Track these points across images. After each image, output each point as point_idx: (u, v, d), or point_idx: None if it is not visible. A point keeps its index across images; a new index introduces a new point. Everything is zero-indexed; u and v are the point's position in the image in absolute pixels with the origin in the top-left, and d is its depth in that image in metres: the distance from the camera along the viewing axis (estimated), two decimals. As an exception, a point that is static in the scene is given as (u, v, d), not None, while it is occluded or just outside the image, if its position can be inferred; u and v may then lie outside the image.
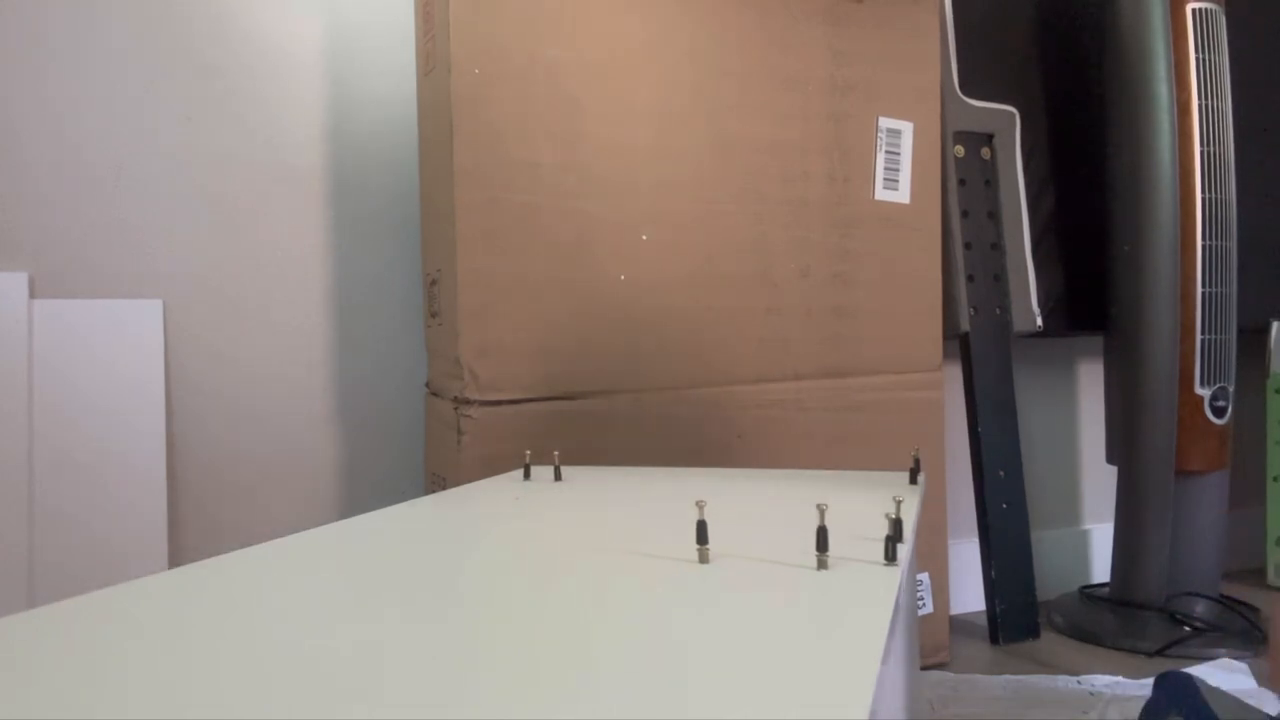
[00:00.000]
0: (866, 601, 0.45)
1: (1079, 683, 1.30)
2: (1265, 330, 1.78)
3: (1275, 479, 1.75)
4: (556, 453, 0.84)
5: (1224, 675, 1.29)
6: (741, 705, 0.33)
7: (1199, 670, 1.32)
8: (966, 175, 1.55)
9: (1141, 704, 0.94)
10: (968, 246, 1.54)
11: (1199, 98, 1.50)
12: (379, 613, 0.45)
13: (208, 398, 1.28)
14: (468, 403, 1.10)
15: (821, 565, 0.50)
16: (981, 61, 1.57)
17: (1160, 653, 1.44)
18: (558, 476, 0.83)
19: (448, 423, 1.13)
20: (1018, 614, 1.53)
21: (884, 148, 1.36)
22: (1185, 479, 1.54)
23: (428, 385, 1.30)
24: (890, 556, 0.51)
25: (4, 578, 1.14)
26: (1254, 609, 1.53)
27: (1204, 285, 1.50)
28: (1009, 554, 1.55)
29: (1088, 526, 1.85)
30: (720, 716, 0.32)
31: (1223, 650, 1.41)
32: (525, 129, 1.13)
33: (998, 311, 1.55)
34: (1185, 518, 1.55)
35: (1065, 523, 1.84)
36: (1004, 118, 1.57)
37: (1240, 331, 1.56)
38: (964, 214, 1.54)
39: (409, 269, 1.37)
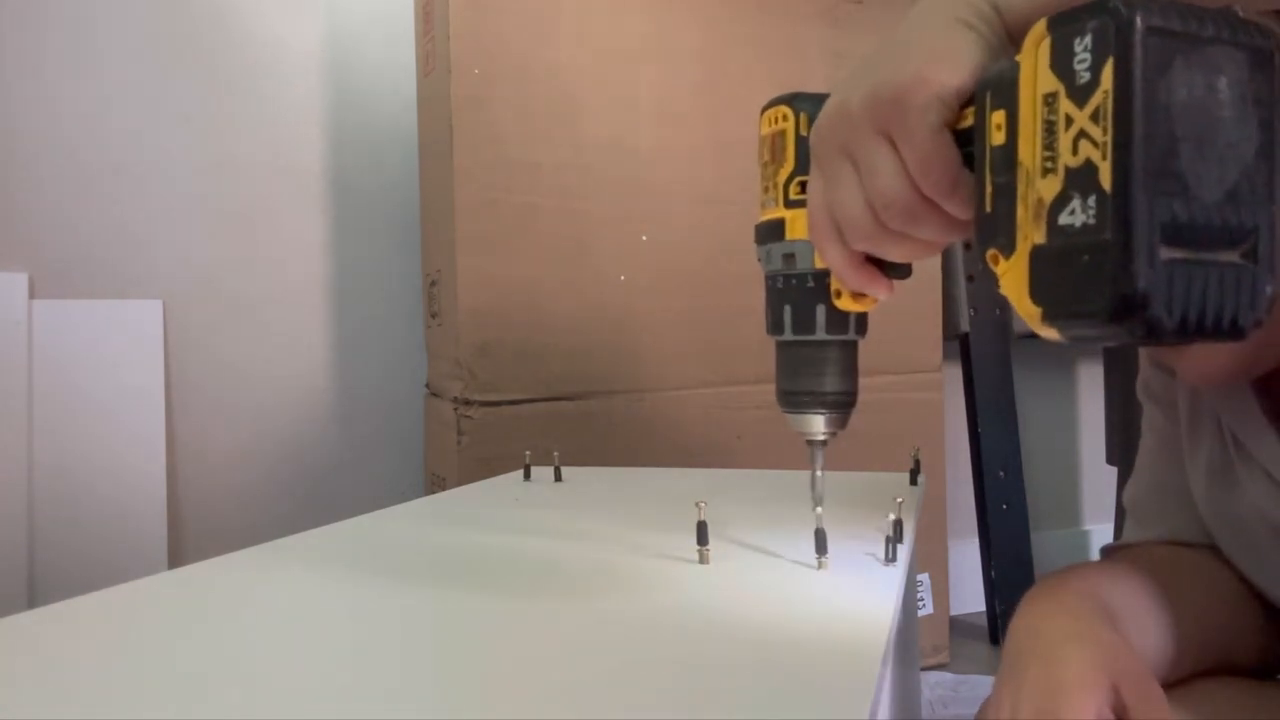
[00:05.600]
0: (866, 601, 0.45)
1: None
2: (1265, 330, 1.78)
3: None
4: (556, 453, 0.84)
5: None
6: (742, 705, 0.33)
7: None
8: (966, 175, 1.54)
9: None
10: (967, 246, 1.54)
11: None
12: (378, 613, 0.45)
13: (208, 398, 1.28)
14: (468, 403, 1.10)
15: (821, 566, 0.50)
16: (981, 62, 1.57)
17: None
18: (558, 477, 0.82)
19: (448, 423, 1.13)
20: (1018, 614, 1.53)
21: (884, 148, 1.36)
22: (1185, 479, 1.54)
23: (428, 386, 1.30)
24: (890, 556, 0.51)
25: (4, 578, 1.14)
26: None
27: (1204, 285, 1.50)
28: (1009, 554, 1.54)
29: (1088, 527, 1.84)
30: (721, 716, 0.32)
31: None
32: (525, 129, 1.13)
33: (998, 311, 1.55)
34: (1185, 518, 1.54)
35: (1065, 523, 1.84)
36: (1004, 118, 1.57)
37: (1240, 331, 1.55)
38: (964, 214, 1.54)
39: (409, 269, 1.37)
